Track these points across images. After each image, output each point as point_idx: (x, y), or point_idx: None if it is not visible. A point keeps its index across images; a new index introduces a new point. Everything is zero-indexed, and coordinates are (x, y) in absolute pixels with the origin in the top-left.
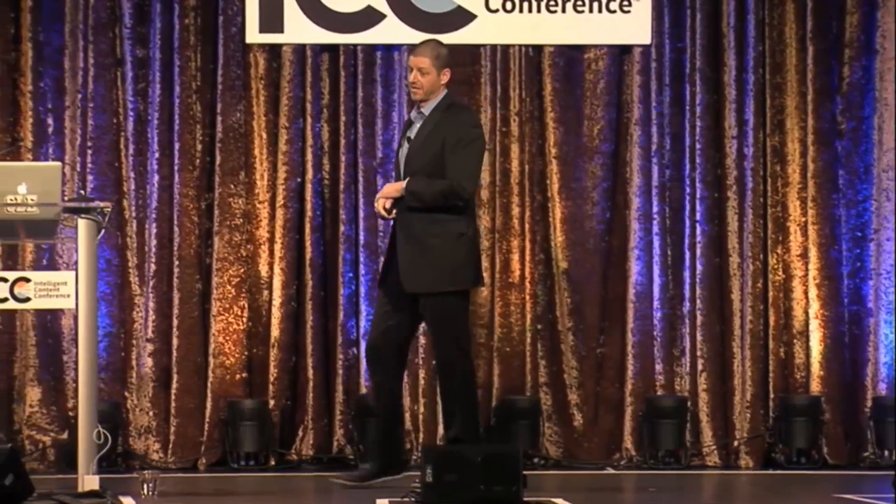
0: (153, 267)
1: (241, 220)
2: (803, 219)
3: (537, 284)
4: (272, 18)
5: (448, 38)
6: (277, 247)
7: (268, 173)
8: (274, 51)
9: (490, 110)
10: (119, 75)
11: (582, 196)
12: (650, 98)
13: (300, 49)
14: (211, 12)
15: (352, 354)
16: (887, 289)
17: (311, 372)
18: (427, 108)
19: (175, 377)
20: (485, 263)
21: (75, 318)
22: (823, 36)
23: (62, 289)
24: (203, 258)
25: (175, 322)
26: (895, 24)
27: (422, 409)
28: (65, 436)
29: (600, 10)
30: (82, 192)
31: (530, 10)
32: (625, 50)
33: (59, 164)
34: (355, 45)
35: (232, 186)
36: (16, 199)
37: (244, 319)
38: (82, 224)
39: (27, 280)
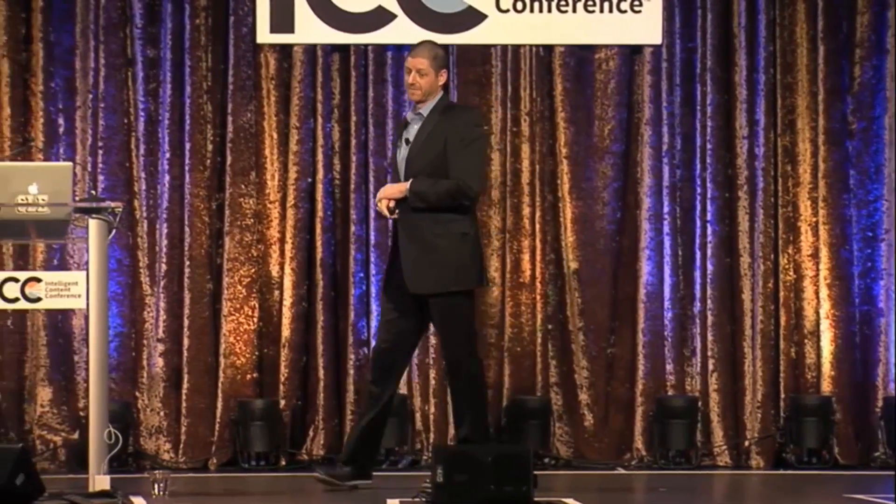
0: (164, 267)
1: (252, 220)
2: (814, 219)
3: (548, 284)
4: (283, 18)
5: (459, 39)
6: (288, 247)
7: (278, 173)
8: (285, 51)
9: (500, 110)
10: (130, 75)
11: (592, 196)
12: (661, 98)
13: (311, 49)
14: (222, 12)
15: (362, 354)
16: None
17: (321, 372)
18: (425, 109)
19: (186, 377)
20: (495, 263)
21: (86, 318)
22: (834, 36)
23: (73, 289)
24: (214, 258)
25: (186, 322)
26: None
27: (432, 410)
28: (75, 436)
29: (611, 10)
30: (93, 192)
31: (541, 10)
32: (635, 50)
33: (69, 164)
34: (366, 45)
35: (242, 186)
36: (27, 199)
37: (255, 319)
38: (93, 224)
39: (38, 280)
